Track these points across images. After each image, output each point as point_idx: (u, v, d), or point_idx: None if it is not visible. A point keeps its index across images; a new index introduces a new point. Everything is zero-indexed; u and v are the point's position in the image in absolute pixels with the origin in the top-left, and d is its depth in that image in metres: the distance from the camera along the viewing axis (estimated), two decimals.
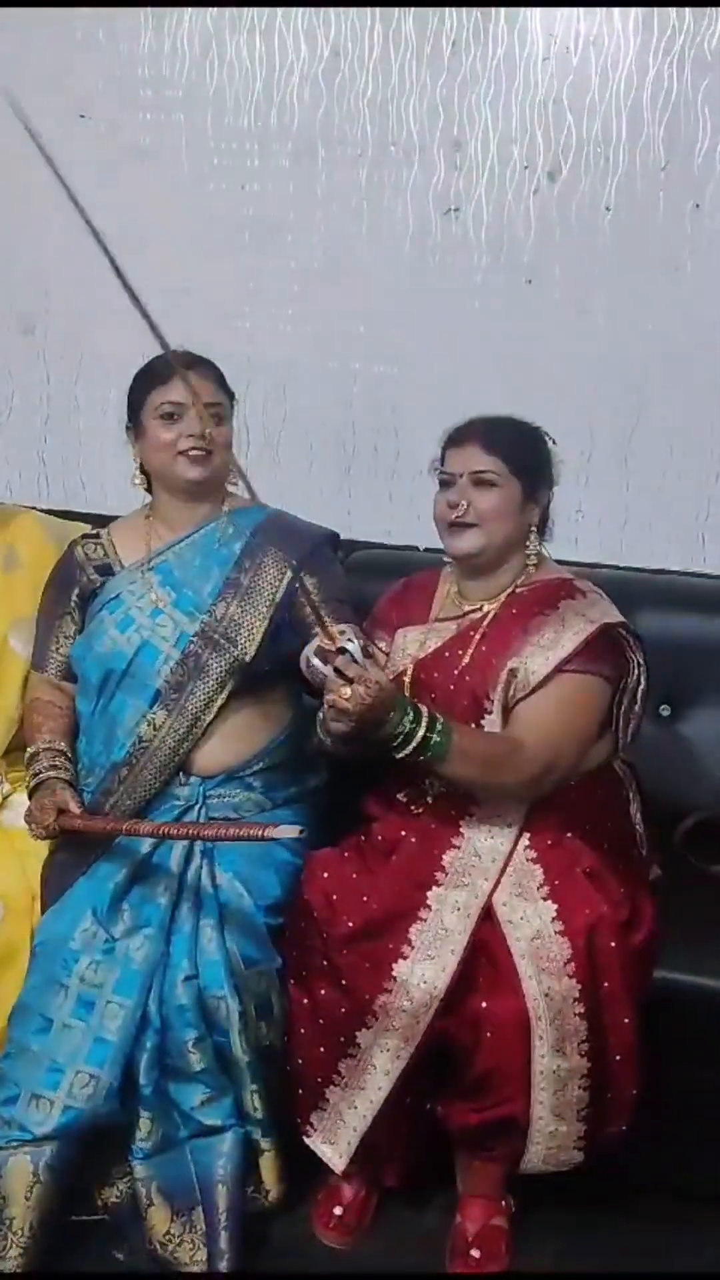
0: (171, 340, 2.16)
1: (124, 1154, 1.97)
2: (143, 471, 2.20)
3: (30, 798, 2.11)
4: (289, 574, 2.12)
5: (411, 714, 1.85)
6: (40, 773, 2.11)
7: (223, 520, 2.20)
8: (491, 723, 1.99)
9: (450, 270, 2.71)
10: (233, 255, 2.87)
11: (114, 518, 2.38)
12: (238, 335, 2.88)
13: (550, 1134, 1.89)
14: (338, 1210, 2.04)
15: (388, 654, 2.16)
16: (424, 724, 1.86)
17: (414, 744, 1.85)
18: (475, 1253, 1.97)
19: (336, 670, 1.76)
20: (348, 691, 1.75)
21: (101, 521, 2.39)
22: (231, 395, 2.20)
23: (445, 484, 2.07)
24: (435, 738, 1.86)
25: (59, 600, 2.24)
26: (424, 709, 1.88)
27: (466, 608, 2.12)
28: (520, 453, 2.05)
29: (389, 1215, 2.09)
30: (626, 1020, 1.88)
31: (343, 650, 1.76)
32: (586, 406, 2.69)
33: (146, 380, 2.15)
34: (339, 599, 2.19)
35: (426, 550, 2.77)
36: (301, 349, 2.87)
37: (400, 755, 1.86)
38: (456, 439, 2.08)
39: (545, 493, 2.08)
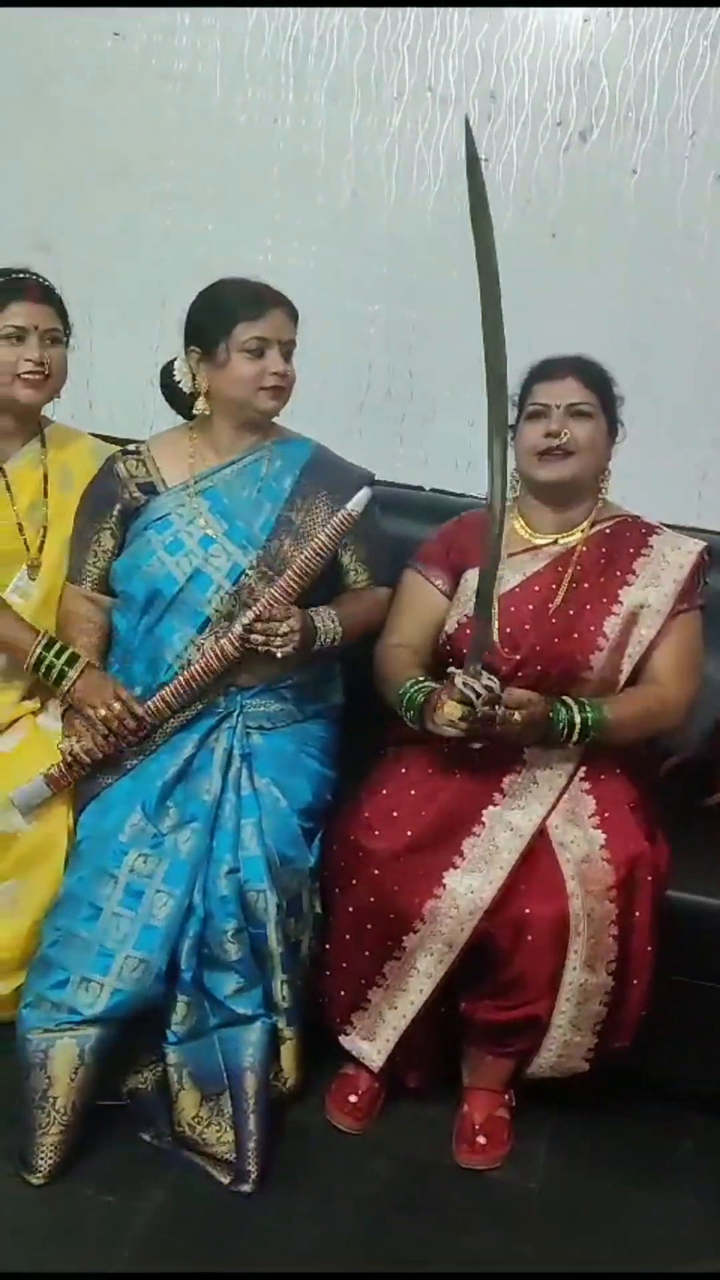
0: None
1: (151, 1043, 2.06)
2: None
3: (67, 709, 2.17)
4: (339, 518, 2.20)
5: (563, 708, 2.02)
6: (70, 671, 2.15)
7: (268, 449, 2.27)
8: (602, 658, 2.11)
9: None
10: (259, 188, 2.91)
11: (123, 440, 2.43)
12: (256, 267, 2.87)
13: (565, 1043, 2.04)
14: (352, 1098, 2.16)
15: (445, 593, 2.25)
16: (576, 710, 2.03)
17: (577, 732, 2.02)
18: (481, 1139, 2.12)
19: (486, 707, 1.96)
20: (518, 717, 1.97)
21: (110, 444, 2.43)
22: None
23: (537, 415, 2.17)
24: (591, 717, 2.03)
25: (98, 514, 2.27)
26: (565, 698, 2.04)
27: (539, 540, 2.22)
28: (606, 389, 2.19)
29: (395, 1102, 2.22)
30: (649, 948, 2.04)
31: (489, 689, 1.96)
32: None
33: (233, 312, 2.16)
34: (376, 544, 2.34)
35: (432, 490, 2.89)
36: (321, 286, 2.91)
37: (569, 743, 2.03)
38: (549, 372, 2.19)
39: (617, 432, 2.22)
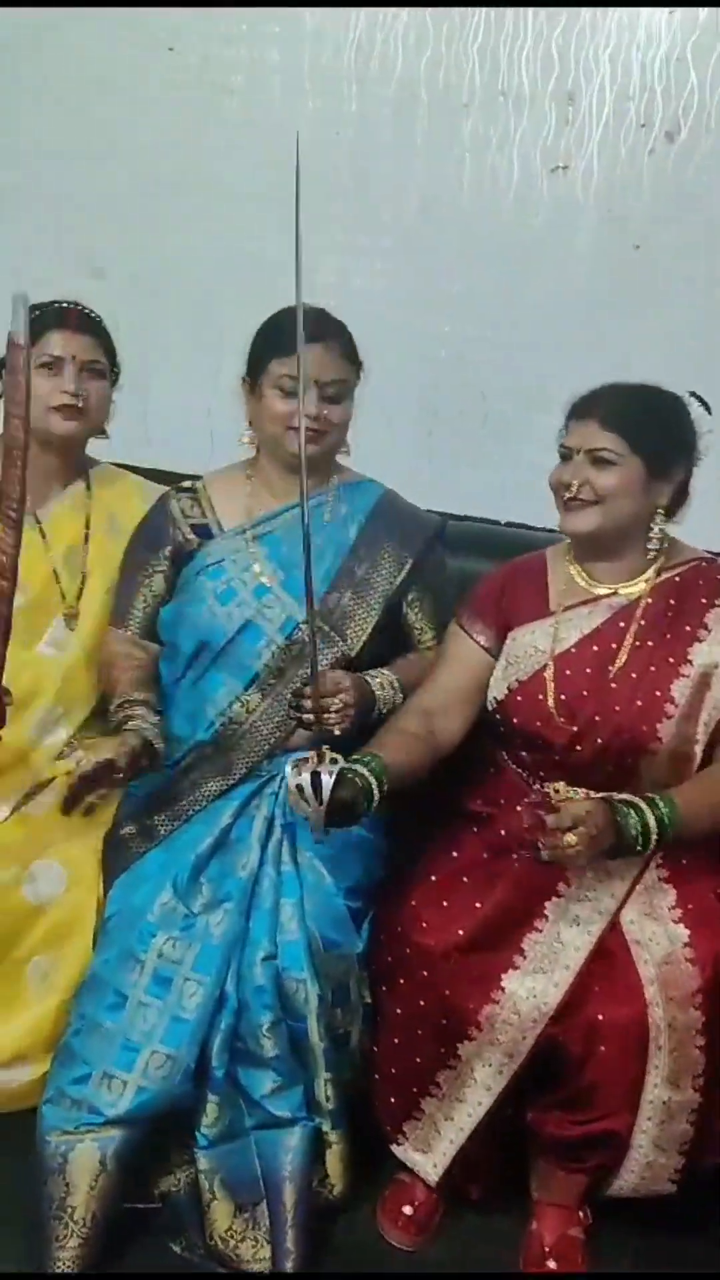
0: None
1: (183, 1142, 1.88)
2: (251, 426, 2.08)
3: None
4: (406, 569, 2.05)
5: (632, 811, 1.76)
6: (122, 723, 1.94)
7: (331, 492, 2.09)
8: (672, 726, 1.87)
9: (555, 231, 2.58)
10: (320, 203, 2.72)
11: (182, 477, 2.26)
12: (319, 290, 2.70)
13: (648, 1164, 1.80)
14: (407, 1210, 1.95)
15: (486, 648, 2.02)
16: (648, 810, 1.76)
17: (654, 836, 1.75)
18: (551, 1262, 1.88)
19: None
20: (573, 839, 1.69)
21: (166, 480, 2.28)
22: (358, 366, 2.07)
23: (564, 458, 1.94)
24: (666, 814, 1.77)
25: (148, 555, 2.11)
26: (632, 797, 1.78)
27: (599, 591, 1.97)
28: (645, 429, 1.87)
29: (456, 1215, 1.99)
30: None
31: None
32: (689, 384, 2.56)
33: (269, 345, 2.01)
34: (445, 598, 2.14)
35: (508, 525, 2.67)
36: (387, 305, 2.73)
37: (646, 850, 1.77)
38: (578, 411, 1.93)
39: (678, 469, 1.91)
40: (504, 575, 2.09)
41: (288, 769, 1.73)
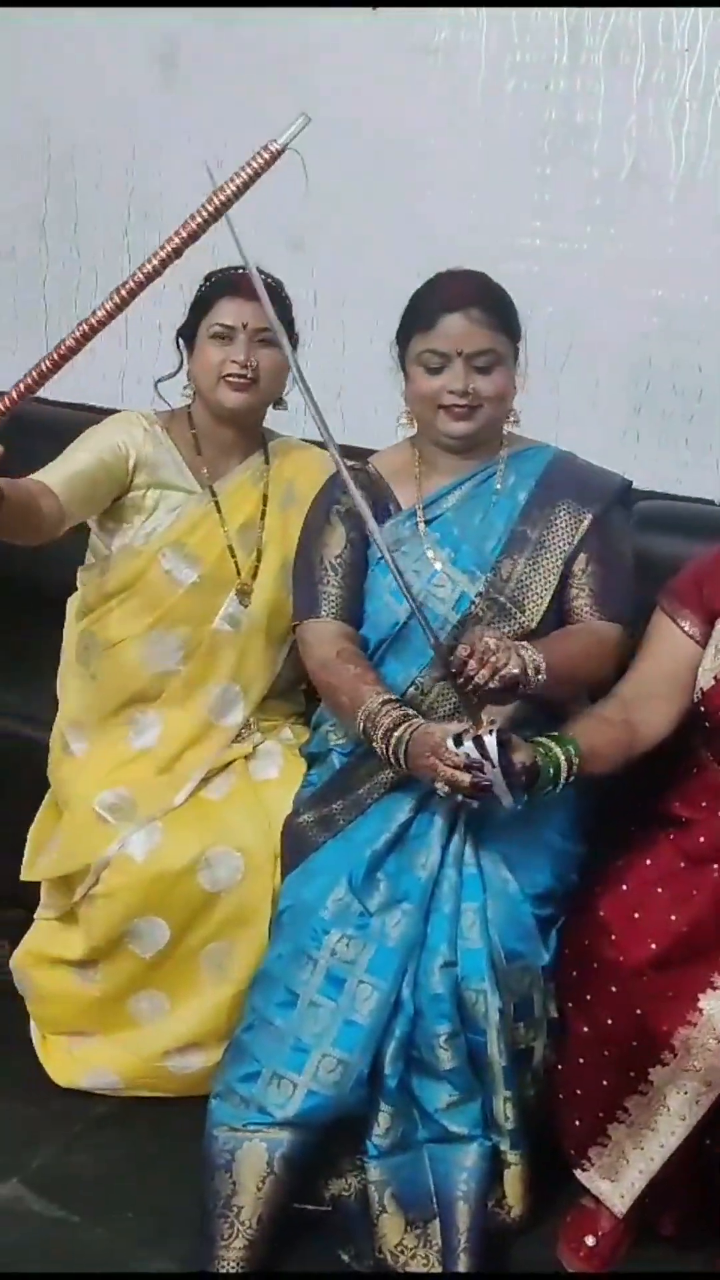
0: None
1: (355, 1145, 1.80)
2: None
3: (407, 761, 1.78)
4: (585, 525, 1.90)
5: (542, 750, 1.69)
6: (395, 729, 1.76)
7: (501, 462, 1.96)
8: None
9: None
10: (526, 164, 2.59)
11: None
12: (524, 254, 2.59)
13: None
14: (590, 1240, 1.81)
15: (691, 635, 1.86)
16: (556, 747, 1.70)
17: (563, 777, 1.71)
18: None
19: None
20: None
21: (356, 457, 2.18)
22: (515, 334, 1.92)
23: None
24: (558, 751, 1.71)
25: (342, 534, 1.98)
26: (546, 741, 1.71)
27: None
28: None
29: (645, 1246, 1.85)
30: None
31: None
32: None
33: (410, 319, 1.91)
34: (617, 572, 1.95)
35: None
36: (597, 271, 2.57)
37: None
38: None
39: None
40: (713, 558, 1.93)
41: (449, 742, 1.64)
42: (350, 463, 2.05)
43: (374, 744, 1.77)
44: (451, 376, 1.86)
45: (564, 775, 1.71)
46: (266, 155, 1.45)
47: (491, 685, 1.64)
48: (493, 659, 1.64)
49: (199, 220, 1.44)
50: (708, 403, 2.52)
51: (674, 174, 2.45)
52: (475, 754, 1.61)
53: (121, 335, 2.94)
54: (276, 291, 2.05)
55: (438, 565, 1.91)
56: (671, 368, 2.55)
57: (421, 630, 1.76)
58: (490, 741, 1.61)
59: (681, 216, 2.46)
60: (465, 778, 1.64)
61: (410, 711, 1.79)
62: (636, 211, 2.50)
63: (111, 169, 3.04)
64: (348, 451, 2.27)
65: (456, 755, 1.63)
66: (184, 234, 1.44)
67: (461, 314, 1.85)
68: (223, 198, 1.45)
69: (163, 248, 1.44)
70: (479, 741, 1.61)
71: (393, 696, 1.82)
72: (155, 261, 1.43)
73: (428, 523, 1.94)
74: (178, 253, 1.44)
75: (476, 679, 1.65)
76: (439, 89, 2.63)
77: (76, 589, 2.17)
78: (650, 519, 2.36)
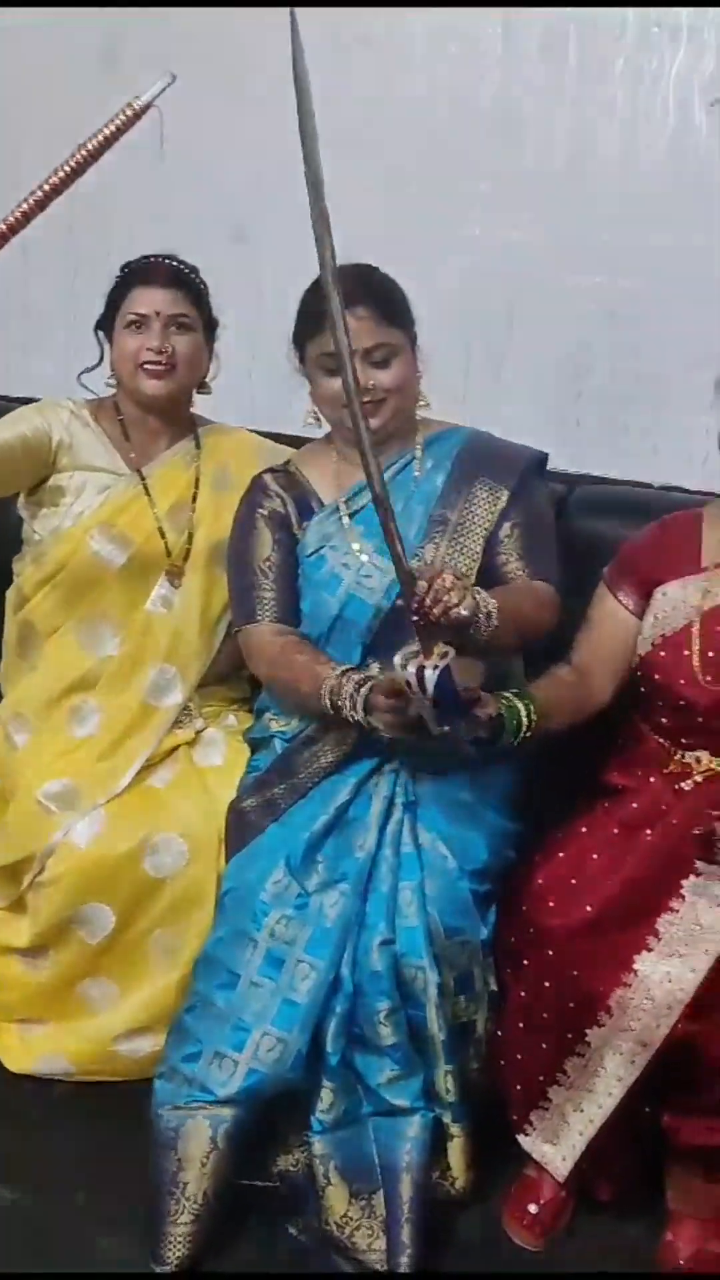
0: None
1: (301, 1121, 1.83)
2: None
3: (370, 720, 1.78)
4: (503, 500, 1.93)
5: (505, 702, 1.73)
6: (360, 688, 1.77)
7: (417, 449, 2.00)
8: None
9: (715, 171, 2.38)
10: (462, 153, 2.61)
11: None
12: (463, 243, 2.62)
13: None
14: (533, 1208, 1.85)
15: (630, 609, 1.93)
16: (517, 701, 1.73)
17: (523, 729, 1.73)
18: None
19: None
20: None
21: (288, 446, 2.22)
22: (407, 324, 1.93)
23: None
24: (519, 705, 1.74)
25: (270, 539, 2.00)
26: (508, 695, 1.75)
27: None
28: None
29: (586, 1218, 1.89)
30: None
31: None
32: None
33: (302, 327, 1.94)
34: (540, 536, 1.99)
35: (661, 488, 2.50)
36: (534, 259, 2.59)
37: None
38: None
39: None
40: (653, 532, 2.00)
41: (396, 659, 1.64)
42: (273, 466, 2.09)
43: (345, 714, 1.77)
44: (347, 375, 1.87)
45: (524, 728, 1.75)
46: (130, 113, 1.50)
47: (441, 622, 1.65)
48: (445, 597, 1.64)
49: (58, 177, 1.48)
50: (645, 387, 2.56)
51: (609, 162, 2.48)
52: (415, 681, 1.60)
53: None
54: (191, 278, 2.09)
55: (364, 557, 1.94)
56: (610, 353, 2.58)
57: (355, 621, 1.86)
58: (430, 676, 1.59)
59: (617, 203, 2.49)
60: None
61: (372, 673, 1.82)
62: (573, 199, 2.52)
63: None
64: (294, 443, 2.32)
65: (398, 677, 1.63)
66: (40, 193, 1.48)
67: (348, 315, 1.86)
68: (83, 154, 1.50)
69: (19, 205, 1.49)
70: (420, 672, 1.60)
71: (350, 666, 1.84)
72: (11, 219, 1.48)
73: (351, 516, 1.96)
74: (41, 206, 1.49)
75: (428, 614, 1.64)
76: (377, 77, 2.64)
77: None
78: (591, 503, 2.41)
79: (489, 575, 1.94)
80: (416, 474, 1.97)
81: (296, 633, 1.97)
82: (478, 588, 1.76)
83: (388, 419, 1.92)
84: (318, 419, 2.00)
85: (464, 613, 1.65)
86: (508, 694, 1.77)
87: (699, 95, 2.37)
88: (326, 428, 2.03)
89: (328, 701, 1.80)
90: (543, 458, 2.07)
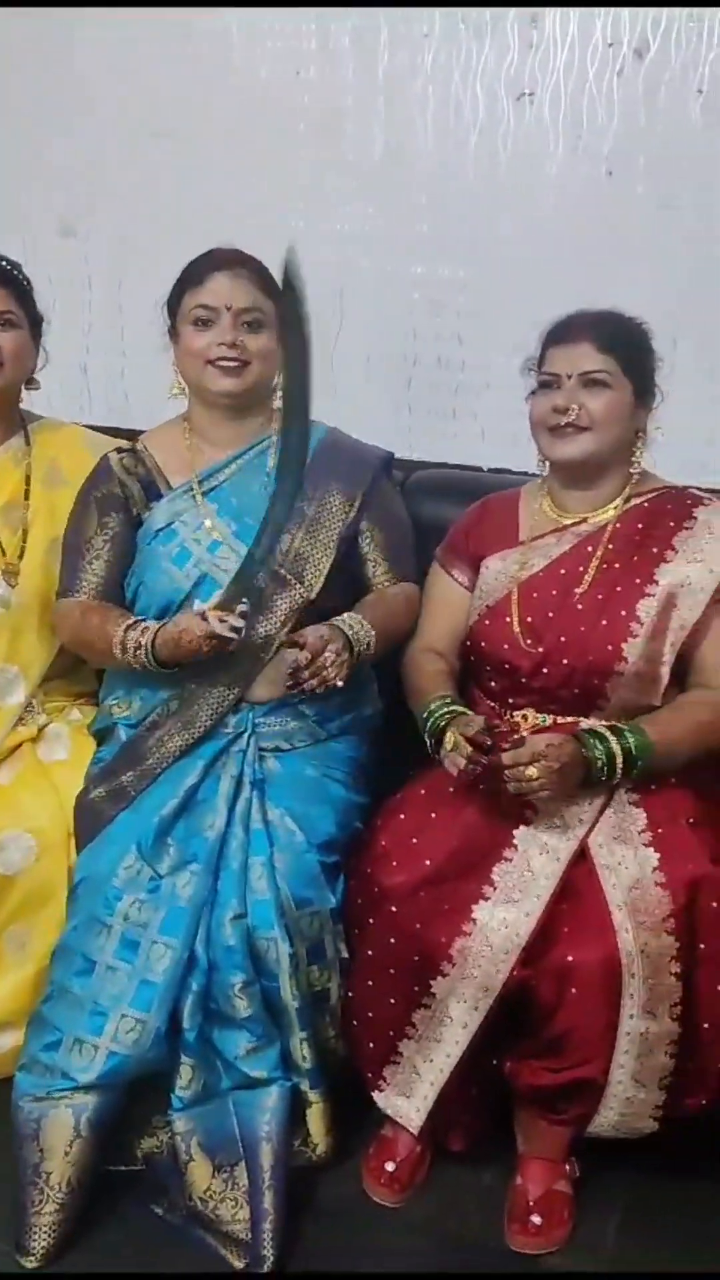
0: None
1: (163, 1103, 1.85)
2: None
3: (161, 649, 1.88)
4: (356, 505, 2.03)
5: (598, 742, 1.77)
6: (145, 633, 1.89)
7: (276, 439, 2.03)
8: (638, 646, 1.84)
9: (523, 162, 2.48)
10: (284, 148, 2.66)
11: None
12: (288, 236, 2.66)
13: (627, 1100, 1.75)
14: (390, 1166, 1.92)
15: (463, 585, 2.03)
16: (614, 740, 1.77)
17: (620, 764, 1.76)
18: (536, 1218, 1.84)
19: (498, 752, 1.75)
20: (534, 772, 1.71)
21: (118, 438, 2.23)
22: (275, 300, 1.99)
23: (547, 385, 1.91)
24: (634, 741, 1.77)
25: (96, 520, 2.04)
26: (597, 726, 1.79)
27: (566, 521, 1.97)
28: (633, 351, 1.90)
29: (442, 1171, 1.96)
30: None
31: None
32: (671, 312, 2.44)
33: (181, 282, 2.00)
34: (398, 535, 2.12)
35: (491, 470, 2.60)
36: (359, 251, 2.66)
37: (614, 780, 1.78)
38: (562, 336, 1.90)
39: (652, 395, 1.92)
40: (476, 511, 2.10)
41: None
42: (121, 443, 2.12)
43: (132, 661, 1.89)
44: (220, 331, 1.93)
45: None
46: None
47: (336, 681, 1.83)
48: (325, 672, 1.81)
49: None
50: (470, 373, 2.64)
51: (422, 153, 2.55)
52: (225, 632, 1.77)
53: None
54: (13, 274, 2.09)
55: (216, 536, 1.97)
56: (435, 341, 2.67)
57: (204, 599, 1.92)
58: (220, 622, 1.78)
59: (433, 194, 2.57)
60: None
61: (152, 623, 1.90)
62: (390, 191, 2.59)
63: None
64: (132, 435, 2.33)
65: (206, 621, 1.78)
66: None
67: (229, 273, 1.95)
68: None
69: None
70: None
71: (139, 619, 1.92)
72: None
73: (205, 495, 1.99)
74: None
75: (304, 687, 1.82)
76: (200, 76, 2.67)
77: None
78: (424, 487, 2.48)
79: (357, 584, 2.05)
80: (271, 463, 1.99)
81: (107, 605, 2.00)
82: (357, 620, 1.91)
83: (249, 385, 1.97)
84: (184, 390, 2.03)
85: (338, 684, 1.81)
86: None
87: (505, 89, 2.47)
88: (183, 401, 2.06)
89: (118, 654, 1.90)
90: (389, 457, 2.17)
